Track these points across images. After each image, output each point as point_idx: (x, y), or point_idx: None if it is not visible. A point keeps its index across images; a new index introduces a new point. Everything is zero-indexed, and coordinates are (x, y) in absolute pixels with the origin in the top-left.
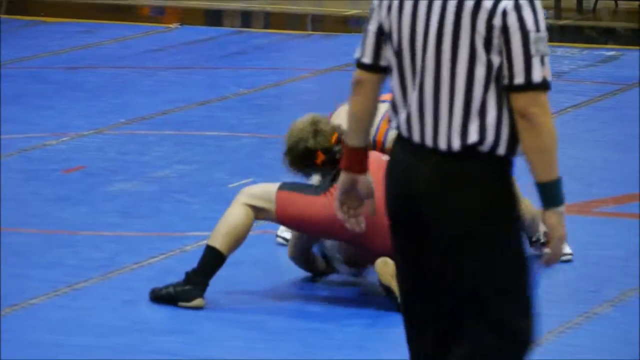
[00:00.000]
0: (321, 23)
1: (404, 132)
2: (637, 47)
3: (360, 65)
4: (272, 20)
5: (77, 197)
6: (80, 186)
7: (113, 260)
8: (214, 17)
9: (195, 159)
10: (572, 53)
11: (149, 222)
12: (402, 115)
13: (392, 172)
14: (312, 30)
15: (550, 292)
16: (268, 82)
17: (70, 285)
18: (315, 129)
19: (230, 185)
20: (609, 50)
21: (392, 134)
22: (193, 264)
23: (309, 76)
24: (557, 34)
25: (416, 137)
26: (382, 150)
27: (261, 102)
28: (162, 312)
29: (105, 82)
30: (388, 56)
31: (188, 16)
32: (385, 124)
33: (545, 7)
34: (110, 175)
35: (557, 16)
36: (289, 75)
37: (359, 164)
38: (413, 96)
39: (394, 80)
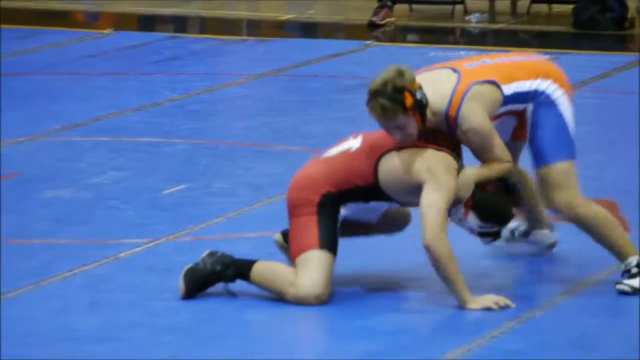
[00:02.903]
0: (256, 28)
1: None
2: (571, 51)
3: None
4: (207, 25)
5: (11, 205)
6: (13, 193)
7: (46, 268)
8: (148, 23)
9: (129, 165)
10: None
11: (82, 229)
12: None
13: None
14: (247, 35)
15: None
16: (202, 88)
17: (3, 293)
18: (400, 71)
19: (165, 192)
20: (543, 54)
21: (468, 110)
22: (127, 270)
23: (243, 81)
24: (492, 37)
25: None
26: (453, 126)
27: (196, 108)
28: (95, 320)
29: (39, 88)
30: None
31: (122, 22)
32: (458, 95)
33: (479, 11)
34: (44, 182)
35: (491, 20)
36: (224, 81)
37: None
38: None
39: None
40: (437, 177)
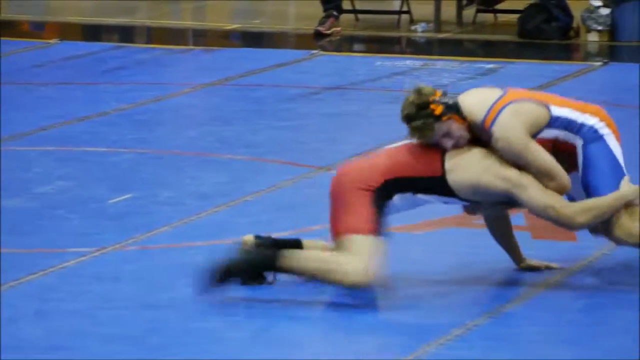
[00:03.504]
0: (202, 37)
1: None
2: (517, 60)
3: None
4: (153, 35)
5: None
6: None
7: None
8: (94, 33)
9: (75, 174)
10: (452, 66)
11: (29, 239)
12: None
13: None
14: (194, 44)
15: (430, 303)
16: (149, 97)
17: None
18: (417, 90)
19: (111, 201)
20: (489, 63)
21: (503, 123)
22: (74, 279)
23: (190, 91)
24: (437, 47)
25: None
26: (487, 138)
27: (142, 118)
28: (42, 329)
29: None
30: None
31: (68, 31)
32: (497, 107)
33: (425, 21)
34: None
35: (437, 29)
36: (170, 90)
37: None
38: None
39: None
40: (519, 182)
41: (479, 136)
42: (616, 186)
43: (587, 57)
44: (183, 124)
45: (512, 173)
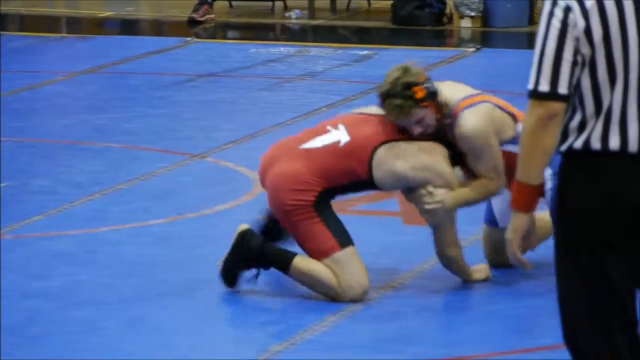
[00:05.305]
0: (76, 25)
1: (597, 144)
2: (391, 46)
3: (558, 96)
4: (26, 22)
5: None
6: None
7: None
8: None
9: None
10: (327, 53)
11: None
12: (597, 128)
13: (599, 185)
14: (67, 32)
15: (304, 290)
16: (22, 85)
17: None
18: (405, 68)
19: None
20: (363, 50)
21: (471, 114)
22: None
23: (63, 79)
24: (312, 34)
25: (614, 144)
26: (454, 123)
27: (16, 106)
28: None
29: None
30: (579, 76)
31: None
32: (474, 100)
33: (299, 7)
34: None
35: (311, 16)
36: (44, 78)
37: (536, 201)
38: (615, 105)
39: (586, 98)
40: (439, 172)
41: (440, 127)
42: None
43: (461, 43)
44: (57, 112)
45: (428, 160)
